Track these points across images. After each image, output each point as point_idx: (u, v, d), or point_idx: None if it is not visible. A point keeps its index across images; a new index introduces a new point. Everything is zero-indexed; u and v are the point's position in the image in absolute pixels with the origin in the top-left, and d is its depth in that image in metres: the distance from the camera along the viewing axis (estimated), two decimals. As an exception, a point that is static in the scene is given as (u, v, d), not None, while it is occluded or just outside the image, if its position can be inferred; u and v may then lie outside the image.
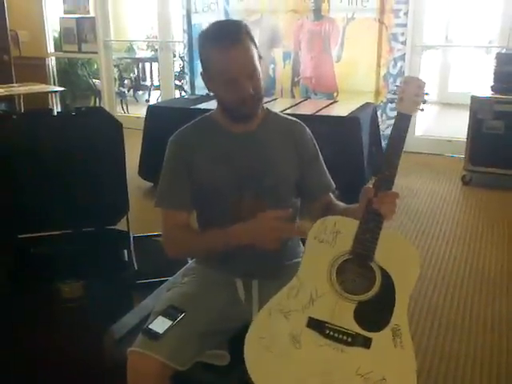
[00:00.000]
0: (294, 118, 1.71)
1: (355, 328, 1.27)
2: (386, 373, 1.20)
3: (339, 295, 1.32)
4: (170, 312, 1.46)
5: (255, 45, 1.50)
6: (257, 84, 1.49)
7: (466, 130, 4.52)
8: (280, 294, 1.35)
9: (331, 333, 1.26)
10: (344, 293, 1.32)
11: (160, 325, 1.41)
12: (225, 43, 1.44)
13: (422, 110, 1.42)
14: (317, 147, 1.70)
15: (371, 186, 1.41)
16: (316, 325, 1.28)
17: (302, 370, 1.23)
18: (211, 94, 1.57)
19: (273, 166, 1.59)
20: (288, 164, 1.62)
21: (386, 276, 1.34)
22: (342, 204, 1.69)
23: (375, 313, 1.29)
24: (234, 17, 5.54)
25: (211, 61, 1.48)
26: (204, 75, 1.54)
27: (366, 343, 1.24)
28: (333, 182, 1.72)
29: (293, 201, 1.67)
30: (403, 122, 1.40)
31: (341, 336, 1.25)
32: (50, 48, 7.14)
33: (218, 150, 1.58)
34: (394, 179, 1.40)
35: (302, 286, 1.36)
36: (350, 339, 1.25)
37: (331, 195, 1.72)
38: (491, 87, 4.41)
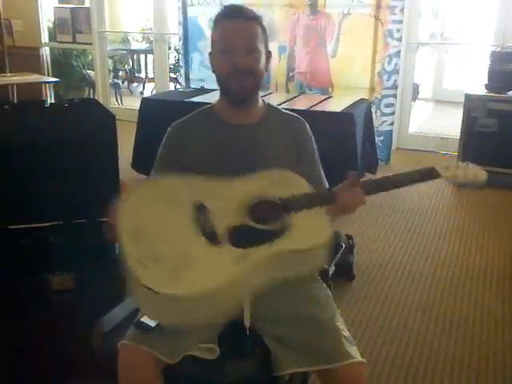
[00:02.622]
0: (296, 114, 1.70)
1: None
2: None
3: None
4: (160, 305, 1.45)
5: (265, 37, 1.56)
6: (255, 64, 1.52)
7: (460, 127, 4.54)
8: None
9: None
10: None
11: (151, 318, 1.41)
12: (232, 15, 1.55)
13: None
14: (314, 146, 1.69)
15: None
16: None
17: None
18: (214, 73, 1.58)
19: (269, 161, 1.57)
20: (286, 160, 1.60)
21: None
22: None
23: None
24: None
25: (216, 31, 1.55)
26: (210, 52, 1.59)
27: None
28: (326, 183, 1.71)
29: None
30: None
31: None
32: (44, 38, 7.09)
33: (215, 141, 1.58)
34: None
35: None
36: None
37: None
38: (485, 85, 4.42)
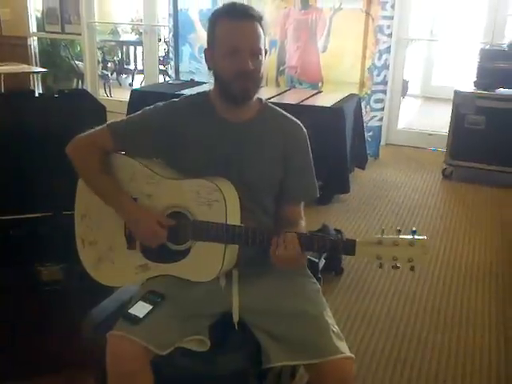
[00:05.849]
0: (294, 119, 1.65)
1: None
2: None
3: None
4: (149, 297, 1.46)
5: (265, 37, 1.51)
6: (258, 66, 1.48)
7: (448, 124, 4.57)
8: None
9: None
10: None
11: (140, 309, 1.42)
12: (236, 15, 1.48)
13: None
14: (309, 154, 1.64)
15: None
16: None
17: None
18: (211, 71, 1.54)
19: (255, 162, 1.56)
20: (272, 165, 1.58)
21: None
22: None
23: None
24: (222, 3, 5.47)
25: (219, 31, 1.49)
26: (207, 50, 1.54)
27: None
28: (313, 193, 1.66)
29: (268, 203, 1.62)
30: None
31: None
32: (32, 28, 6.99)
33: (207, 135, 1.56)
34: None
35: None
36: None
37: (299, 207, 1.65)
38: (474, 82, 4.44)
